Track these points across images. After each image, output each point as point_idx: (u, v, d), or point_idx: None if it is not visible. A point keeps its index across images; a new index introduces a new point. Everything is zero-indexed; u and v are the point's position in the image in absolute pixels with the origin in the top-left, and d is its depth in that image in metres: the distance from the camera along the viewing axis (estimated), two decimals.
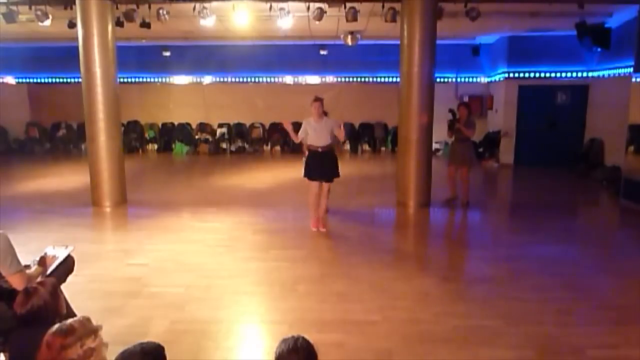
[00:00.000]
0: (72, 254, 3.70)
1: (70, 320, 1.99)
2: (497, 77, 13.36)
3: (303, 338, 1.98)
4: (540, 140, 12.39)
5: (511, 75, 12.42)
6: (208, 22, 8.58)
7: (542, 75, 12.33)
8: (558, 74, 12.24)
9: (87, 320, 2.02)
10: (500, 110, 12.90)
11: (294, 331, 3.32)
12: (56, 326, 1.96)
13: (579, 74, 12.09)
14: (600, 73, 11.47)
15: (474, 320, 4.06)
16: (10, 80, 15.56)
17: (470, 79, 14.60)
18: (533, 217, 7.65)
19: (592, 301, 4.49)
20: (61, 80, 15.20)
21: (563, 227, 7.21)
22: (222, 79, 15.34)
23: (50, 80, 15.46)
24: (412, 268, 5.46)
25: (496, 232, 7.22)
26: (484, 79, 14.50)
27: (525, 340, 3.72)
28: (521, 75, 12.38)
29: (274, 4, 8.32)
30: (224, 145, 15.00)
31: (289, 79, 15.20)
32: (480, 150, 13.72)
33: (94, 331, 1.98)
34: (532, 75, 12.36)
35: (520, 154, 12.63)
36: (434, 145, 9.96)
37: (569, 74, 12.18)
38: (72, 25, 8.72)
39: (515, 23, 10.61)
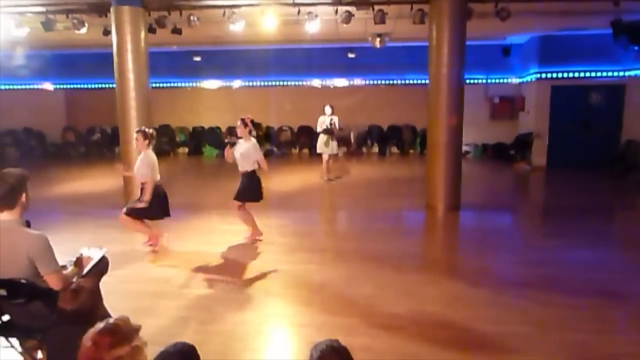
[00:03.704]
0: (107, 255, 3.79)
1: (112, 320, 2.01)
2: (528, 78, 13.08)
3: (338, 342, 1.99)
4: (573, 141, 12.09)
5: (543, 75, 12.16)
6: (237, 27, 8.70)
7: (576, 75, 12.01)
8: (592, 74, 11.90)
9: (127, 319, 2.04)
10: (532, 112, 12.64)
11: (322, 334, 3.33)
12: (101, 325, 1.96)
13: (615, 74, 11.73)
14: (638, 72, 11.10)
15: (505, 326, 3.98)
16: (48, 86, 16.11)
17: (501, 80, 14.35)
18: (566, 221, 7.45)
19: (627, 308, 4.35)
20: (96, 86, 15.68)
21: (598, 230, 7.00)
22: (250, 83, 15.52)
23: (85, 86, 15.95)
24: (441, 272, 5.40)
25: (528, 236, 7.07)
26: (515, 80, 14.22)
27: (558, 347, 3.63)
28: (554, 75, 12.10)
29: (302, 8, 8.38)
30: None
31: (316, 83, 15.26)
32: (512, 152, 13.47)
33: (137, 330, 2.00)
34: (565, 75, 12.06)
35: (553, 156, 12.34)
36: (464, 148, 9.82)
37: (603, 74, 11.83)
38: (106, 32, 8.99)
39: (547, 22, 10.38)
